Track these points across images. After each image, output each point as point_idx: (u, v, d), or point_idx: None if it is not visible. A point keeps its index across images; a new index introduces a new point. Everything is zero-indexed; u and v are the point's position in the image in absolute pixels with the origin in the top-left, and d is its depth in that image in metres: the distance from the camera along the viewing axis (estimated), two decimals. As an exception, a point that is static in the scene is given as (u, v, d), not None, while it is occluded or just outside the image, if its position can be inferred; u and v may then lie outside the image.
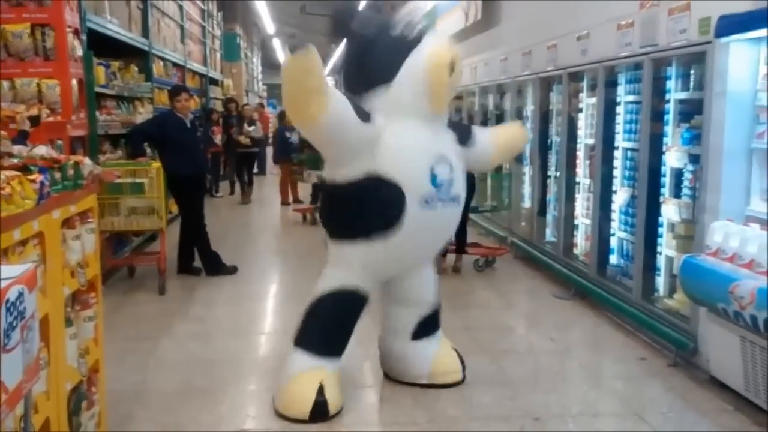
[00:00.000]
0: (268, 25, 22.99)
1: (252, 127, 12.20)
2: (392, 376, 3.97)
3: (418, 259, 3.72)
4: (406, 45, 3.36)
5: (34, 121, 5.16)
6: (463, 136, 3.69)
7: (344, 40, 3.48)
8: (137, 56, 8.39)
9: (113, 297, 5.59)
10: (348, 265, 3.54)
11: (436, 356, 3.86)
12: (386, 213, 3.33)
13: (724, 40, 3.86)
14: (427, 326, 3.86)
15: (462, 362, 3.93)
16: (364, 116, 3.27)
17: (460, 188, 3.50)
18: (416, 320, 3.82)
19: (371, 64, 3.42)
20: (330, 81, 3.56)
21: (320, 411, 3.42)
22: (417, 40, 3.38)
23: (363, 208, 3.39)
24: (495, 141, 4.00)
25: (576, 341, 4.95)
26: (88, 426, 2.76)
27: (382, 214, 3.35)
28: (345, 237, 3.50)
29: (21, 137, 4.67)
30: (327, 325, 3.60)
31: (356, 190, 3.35)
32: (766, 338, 3.31)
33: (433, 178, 3.33)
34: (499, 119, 8.51)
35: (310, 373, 3.48)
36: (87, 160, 2.94)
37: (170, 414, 3.58)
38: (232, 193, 12.91)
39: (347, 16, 3.53)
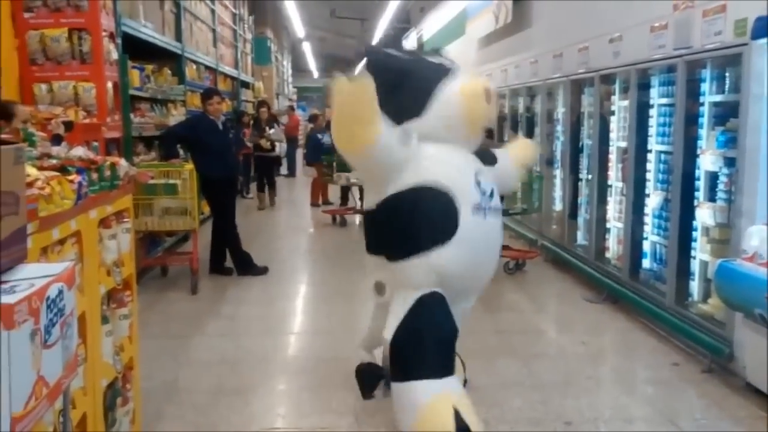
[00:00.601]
0: (298, 29, 23.14)
1: (272, 130, 11.72)
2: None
3: (479, 278, 3.42)
4: (434, 78, 3.31)
5: (68, 126, 5.28)
6: (486, 159, 3.56)
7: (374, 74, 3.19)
8: (170, 59, 8.51)
9: (146, 296, 5.67)
10: (416, 279, 3.22)
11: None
12: (442, 221, 3.15)
13: (760, 41, 3.80)
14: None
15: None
16: (404, 138, 3.20)
17: (498, 202, 3.42)
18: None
19: (401, 98, 3.28)
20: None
21: None
22: (445, 74, 3.34)
23: (417, 220, 3.18)
24: (513, 159, 3.96)
25: (608, 345, 4.90)
26: (123, 422, 2.80)
27: (438, 222, 3.16)
28: (404, 255, 3.21)
29: (55, 141, 4.79)
30: (427, 342, 3.18)
31: (407, 203, 3.18)
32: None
33: (478, 186, 3.26)
34: (530, 122, 8.47)
35: (437, 401, 3.03)
36: (123, 161, 2.99)
37: (201, 413, 3.63)
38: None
39: (376, 53, 3.52)
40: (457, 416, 2.97)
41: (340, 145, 3.12)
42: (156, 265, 6.63)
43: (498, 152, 3.81)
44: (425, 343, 3.17)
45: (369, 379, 3.74)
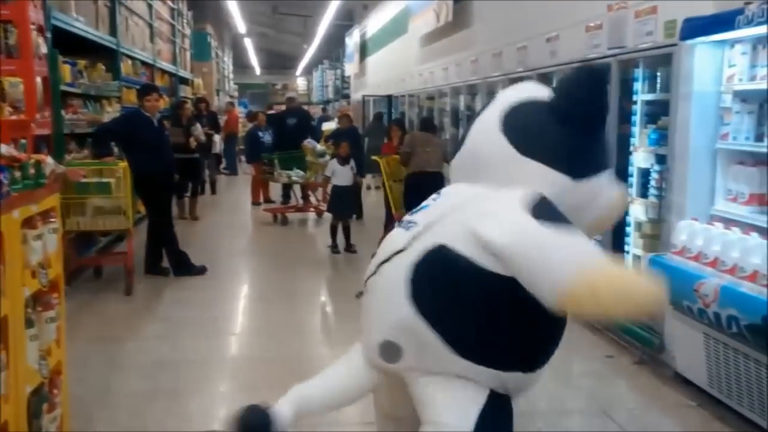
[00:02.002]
0: (240, 25, 22.83)
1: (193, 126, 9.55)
2: None
3: None
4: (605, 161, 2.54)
5: None
6: None
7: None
8: (105, 55, 8.26)
9: (79, 297, 5.49)
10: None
11: None
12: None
13: (689, 42, 3.91)
14: None
15: None
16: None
17: None
18: None
19: (600, 144, 2.57)
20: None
21: None
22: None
23: None
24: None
25: (545, 340, 4.98)
26: (49, 429, 2.70)
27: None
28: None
29: None
30: None
31: None
32: (729, 335, 3.36)
33: None
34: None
35: None
36: (49, 159, 2.89)
37: (135, 417, 3.54)
38: (203, 193, 12.72)
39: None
40: None
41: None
42: (89, 265, 6.43)
43: None
44: None
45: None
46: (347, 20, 22.29)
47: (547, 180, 2.28)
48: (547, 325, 2.35)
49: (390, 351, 2.32)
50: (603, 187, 2.42)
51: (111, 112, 7.89)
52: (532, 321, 2.23)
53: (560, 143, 2.33)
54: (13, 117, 4.92)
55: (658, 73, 4.56)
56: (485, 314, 2.22)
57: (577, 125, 2.33)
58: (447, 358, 2.24)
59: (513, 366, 2.32)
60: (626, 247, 4.87)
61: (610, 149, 2.65)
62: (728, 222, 3.69)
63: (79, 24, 6.97)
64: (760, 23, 3.29)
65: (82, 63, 7.09)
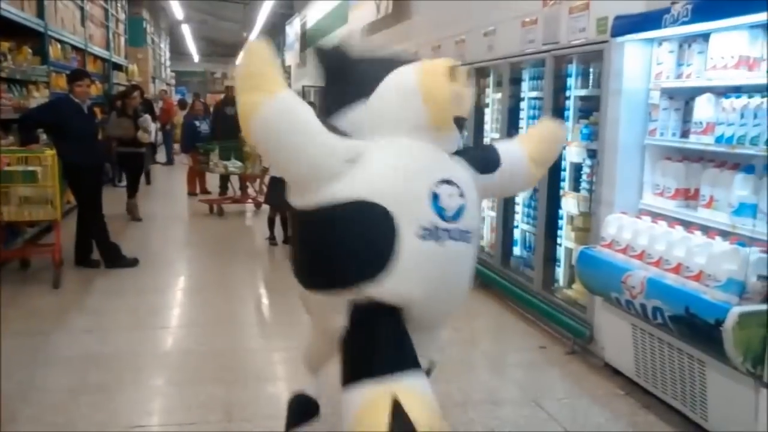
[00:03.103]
0: (177, 11, 22.31)
1: (140, 118, 8.84)
2: None
3: (436, 314, 2.65)
4: (388, 63, 2.64)
5: None
6: (483, 162, 2.81)
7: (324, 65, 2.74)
8: (32, 38, 7.95)
9: (5, 290, 5.30)
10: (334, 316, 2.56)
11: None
12: (372, 247, 2.41)
13: (619, 39, 4.00)
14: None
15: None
16: (336, 131, 2.50)
17: (472, 222, 2.58)
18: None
19: (348, 81, 2.69)
20: None
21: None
22: (402, 62, 2.64)
23: (341, 244, 2.45)
24: (529, 155, 2.91)
25: (479, 330, 5.05)
26: (-34, 428, 2.59)
27: (367, 248, 2.42)
28: (320, 287, 2.56)
29: None
30: (368, 350, 2.51)
31: (330, 219, 2.44)
32: (655, 326, 3.46)
33: (435, 203, 2.45)
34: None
35: (374, 398, 2.37)
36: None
37: (60, 413, 3.42)
38: (148, 183, 12.34)
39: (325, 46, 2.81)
40: (397, 409, 2.30)
41: (240, 105, 2.41)
42: (15, 257, 6.19)
43: (505, 147, 2.93)
44: (364, 350, 2.50)
45: (298, 413, 2.95)
46: (287, 9, 22.03)
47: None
48: None
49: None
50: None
51: (38, 97, 7.60)
52: None
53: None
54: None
55: (591, 69, 4.66)
56: None
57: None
58: None
59: None
60: (559, 240, 4.97)
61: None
62: (655, 216, 3.81)
63: (3, 4, 6.68)
64: (684, 23, 3.39)
65: (5, 45, 6.82)
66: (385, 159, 2.48)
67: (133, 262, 6.38)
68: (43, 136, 6.54)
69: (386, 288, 2.41)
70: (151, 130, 9.24)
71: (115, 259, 6.30)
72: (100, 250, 6.31)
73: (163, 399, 3.70)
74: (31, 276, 6.04)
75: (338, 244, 2.45)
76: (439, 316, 2.72)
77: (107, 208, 6.49)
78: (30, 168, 5.49)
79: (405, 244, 2.38)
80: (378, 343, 2.49)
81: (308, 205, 2.51)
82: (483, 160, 2.79)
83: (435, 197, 2.44)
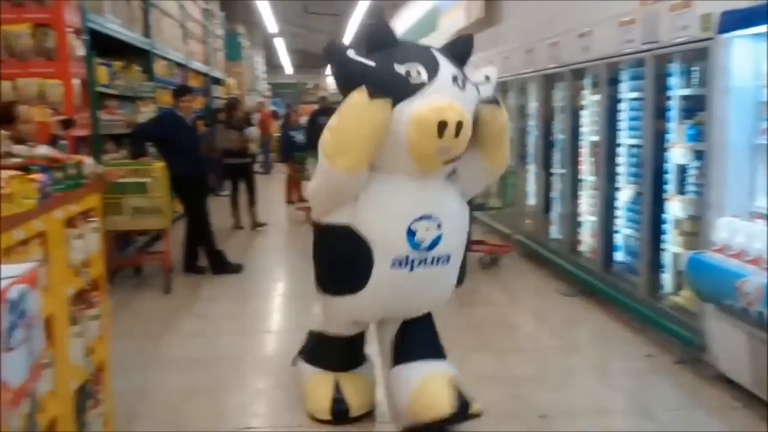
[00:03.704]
0: (271, 25, 22.95)
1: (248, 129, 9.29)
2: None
3: (407, 313, 3.31)
4: (392, 95, 2.80)
5: (67, 123, 5.23)
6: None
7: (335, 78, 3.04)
8: (139, 56, 8.40)
9: (119, 295, 5.60)
10: (327, 316, 3.47)
11: (417, 386, 3.15)
12: (352, 270, 3.01)
13: (726, 36, 3.84)
14: (421, 351, 3.30)
15: (462, 400, 3.10)
16: None
17: (449, 247, 3.03)
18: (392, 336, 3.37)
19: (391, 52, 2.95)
20: (332, 81, 3.33)
21: (338, 409, 3.39)
22: (406, 91, 2.83)
23: (334, 261, 3.15)
24: (476, 142, 3.00)
25: (582, 338, 4.94)
26: (94, 425, 2.75)
27: (349, 270, 3.04)
28: (322, 289, 3.28)
29: (52, 142, 4.78)
30: (320, 354, 3.58)
31: (331, 238, 3.09)
32: (773, 334, 3.29)
33: (410, 237, 2.92)
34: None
35: (322, 375, 3.47)
36: (88, 160, 2.95)
37: (174, 413, 3.58)
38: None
39: (337, 55, 3.00)
40: (337, 389, 3.36)
41: (327, 154, 2.86)
42: (128, 264, 6.54)
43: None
44: (318, 353, 3.60)
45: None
46: (377, 18, 22.26)
47: None
48: None
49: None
50: None
51: (146, 112, 8.01)
52: None
53: None
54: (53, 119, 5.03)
55: (694, 68, 4.48)
56: None
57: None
58: None
59: None
60: (664, 245, 4.80)
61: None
62: (769, 218, 3.62)
63: (114, 26, 7.09)
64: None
65: (117, 64, 7.22)
66: (376, 197, 2.94)
67: (238, 268, 6.61)
68: (152, 149, 6.89)
69: (360, 303, 3.08)
70: (255, 140, 9.46)
71: (221, 266, 6.55)
72: (207, 257, 6.58)
73: (270, 401, 3.81)
74: (143, 282, 6.36)
75: (335, 260, 3.11)
76: (407, 314, 3.31)
77: (211, 217, 6.75)
78: (141, 179, 5.78)
79: (377, 271, 2.96)
80: (325, 357, 3.50)
81: (320, 220, 3.14)
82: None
83: (411, 233, 2.91)
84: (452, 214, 3.03)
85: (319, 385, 3.42)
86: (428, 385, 3.09)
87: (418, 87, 2.83)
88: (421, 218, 2.91)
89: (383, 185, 2.95)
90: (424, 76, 2.86)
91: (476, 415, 3.13)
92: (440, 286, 3.21)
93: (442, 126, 2.68)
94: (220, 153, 8.85)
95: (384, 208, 2.94)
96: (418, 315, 3.33)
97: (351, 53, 2.95)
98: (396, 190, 2.94)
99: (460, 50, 3.12)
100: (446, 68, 2.92)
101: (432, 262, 3.00)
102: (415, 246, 2.93)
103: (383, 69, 2.89)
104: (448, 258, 3.06)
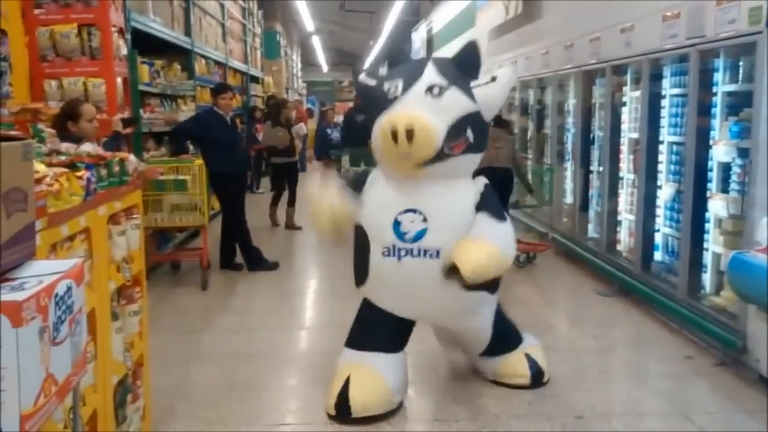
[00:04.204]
0: (308, 23, 23.08)
1: (298, 127, 9.67)
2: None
3: (418, 314, 3.63)
4: (379, 109, 3.30)
5: (128, 122, 5.38)
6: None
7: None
8: (180, 54, 8.51)
9: (157, 291, 5.68)
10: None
11: (504, 360, 3.83)
12: (360, 261, 3.47)
13: (775, 29, 3.74)
14: (493, 350, 3.81)
15: (536, 368, 3.81)
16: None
17: (437, 242, 3.22)
18: (476, 354, 3.89)
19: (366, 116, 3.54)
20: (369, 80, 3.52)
21: (341, 408, 3.40)
22: (385, 104, 3.28)
23: (354, 255, 3.55)
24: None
25: (619, 339, 4.87)
26: (134, 419, 2.81)
27: (359, 261, 3.49)
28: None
29: (113, 139, 4.90)
30: (356, 323, 3.72)
31: (354, 236, 3.51)
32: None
33: (396, 228, 3.25)
34: (540, 114, 8.42)
35: (342, 366, 3.55)
36: (132, 157, 2.98)
37: (211, 408, 3.63)
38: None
39: (357, 81, 3.72)
40: (345, 385, 3.39)
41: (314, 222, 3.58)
42: (166, 260, 6.64)
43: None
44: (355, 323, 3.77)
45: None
46: (413, 16, 22.21)
47: None
48: None
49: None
50: None
51: (186, 110, 8.11)
52: None
53: None
54: (97, 116, 5.13)
55: (740, 63, 4.38)
56: None
57: None
58: None
59: None
60: (705, 245, 4.71)
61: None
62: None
63: (156, 25, 7.20)
64: None
65: (159, 63, 7.32)
66: (372, 192, 3.41)
67: (274, 266, 6.67)
68: (191, 147, 6.98)
69: (369, 289, 3.52)
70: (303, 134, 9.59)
71: (257, 263, 6.61)
72: (243, 254, 6.65)
73: (306, 398, 3.84)
74: (181, 278, 6.46)
75: (355, 254, 3.51)
76: (439, 321, 3.82)
77: (247, 214, 6.82)
78: (180, 177, 5.86)
79: (373, 259, 3.35)
80: (357, 322, 3.67)
81: None
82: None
83: (397, 224, 3.23)
84: (443, 212, 3.28)
85: (337, 378, 3.49)
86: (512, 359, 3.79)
87: (392, 101, 3.24)
88: (406, 211, 3.25)
89: (379, 185, 3.43)
90: (399, 90, 3.25)
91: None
92: (432, 282, 3.27)
93: (394, 134, 3.07)
94: (266, 151, 8.85)
95: (376, 201, 3.38)
96: (454, 325, 3.75)
97: (362, 76, 3.58)
98: (388, 187, 3.39)
99: (465, 58, 3.39)
100: (426, 80, 3.24)
101: (418, 253, 3.24)
102: (400, 236, 3.25)
103: (375, 88, 3.41)
104: (437, 253, 3.23)
